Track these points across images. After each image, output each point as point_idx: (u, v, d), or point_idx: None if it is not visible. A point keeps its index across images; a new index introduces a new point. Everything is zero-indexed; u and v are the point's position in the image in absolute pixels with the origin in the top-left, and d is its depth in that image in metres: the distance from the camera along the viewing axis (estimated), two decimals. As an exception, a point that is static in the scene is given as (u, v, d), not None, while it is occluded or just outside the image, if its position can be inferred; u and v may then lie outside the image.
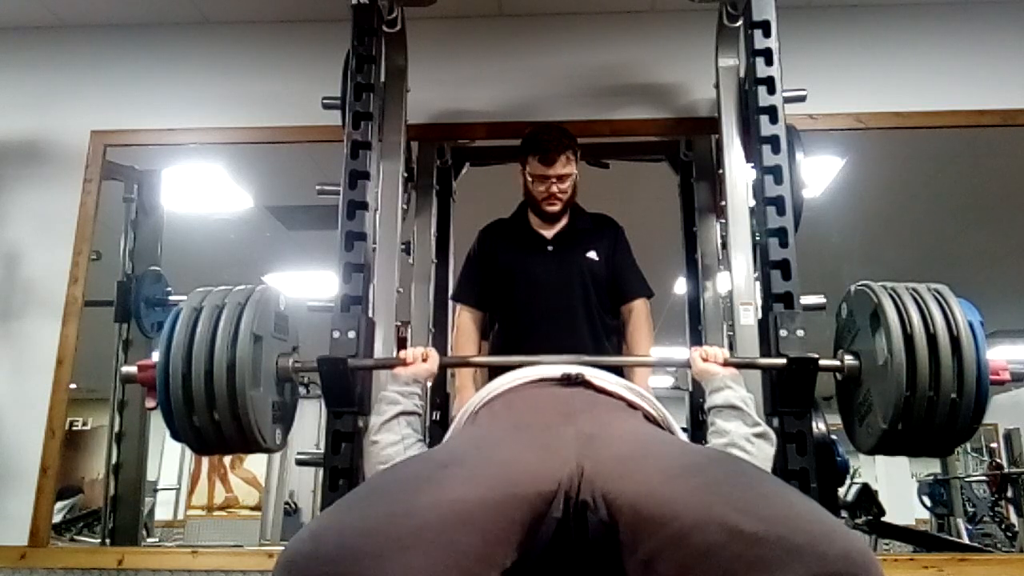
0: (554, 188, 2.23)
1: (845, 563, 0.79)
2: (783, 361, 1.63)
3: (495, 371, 2.12)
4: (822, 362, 1.58)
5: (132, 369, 1.48)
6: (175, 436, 1.43)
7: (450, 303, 2.55)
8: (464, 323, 2.35)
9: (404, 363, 1.63)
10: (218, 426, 1.39)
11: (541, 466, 1.05)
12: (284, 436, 1.57)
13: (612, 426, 1.25)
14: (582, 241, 2.30)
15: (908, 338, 1.36)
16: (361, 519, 0.90)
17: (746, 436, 1.43)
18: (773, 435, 1.47)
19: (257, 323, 1.43)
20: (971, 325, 1.38)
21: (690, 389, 2.52)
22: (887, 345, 1.38)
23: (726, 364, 1.58)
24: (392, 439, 1.49)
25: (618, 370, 2.22)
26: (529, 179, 2.26)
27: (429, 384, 1.73)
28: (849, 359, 1.54)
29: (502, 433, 1.26)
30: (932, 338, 1.36)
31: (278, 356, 1.54)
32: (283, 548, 0.89)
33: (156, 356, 1.43)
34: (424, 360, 1.63)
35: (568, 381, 1.46)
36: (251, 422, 1.39)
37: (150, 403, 1.43)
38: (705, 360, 1.59)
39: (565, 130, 2.27)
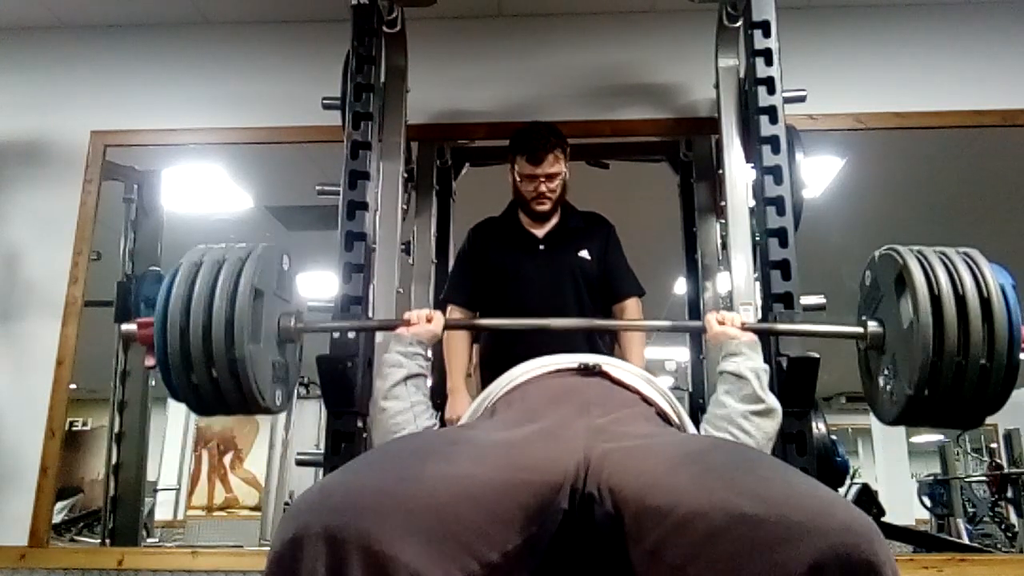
0: (543, 187, 2.22)
1: (847, 535, 0.79)
2: (804, 327, 1.62)
3: (490, 374, 2.11)
4: (843, 329, 1.51)
5: (132, 327, 1.45)
6: (174, 395, 1.39)
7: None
8: None
9: (408, 324, 1.59)
10: (216, 384, 1.34)
11: (549, 455, 1.06)
12: (285, 398, 1.51)
13: (623, 420, 1.25)
14: (574, 240, 2.29)
15: (935, 299, 1.29)
16: (369, 479, 0.91)
17: (743, 413, 1.40)
18: (778, 409, 1.43)
19: (258, 278, 1.38)
20: (1003, 288, 1.30)
21: (690, 389, 2.52)
22: (913, 307, 1.31)
23: (743, 328, 1.53)
24: (401, 406, 1.49)
25: (612, 334, 2.27)
26: (518, 178, 2.25)
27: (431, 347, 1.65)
28: (873, 325, 1.46)
29: (515, 421, 1.26)
30: (961, 300, 1.28)
31: (280, 315, 1.49)
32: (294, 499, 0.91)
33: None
34: (428, 321, 1.60)
35: (586, 371, 1.45)
36: (249, 379, 1.34)
37: (149, 361, 1.39)
38: (721, 324, 1.54)
39: (554, 128, 2.26)
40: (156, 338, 1.35)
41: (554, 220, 2.30)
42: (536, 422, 1.23)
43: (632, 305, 2.30)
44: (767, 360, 1.72)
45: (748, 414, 1.41)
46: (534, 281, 2.24)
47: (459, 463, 0.98)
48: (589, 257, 2.27)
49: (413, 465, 0.95)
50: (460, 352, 2.31)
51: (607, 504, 0.99)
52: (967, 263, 1.34)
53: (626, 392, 1.42)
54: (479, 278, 2.33)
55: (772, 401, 1.43)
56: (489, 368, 2.28)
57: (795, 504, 0.84)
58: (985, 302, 1.29)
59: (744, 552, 0.82)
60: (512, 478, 0.98)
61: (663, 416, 1.41)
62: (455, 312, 2.34)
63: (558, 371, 1.47)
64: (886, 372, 1.43)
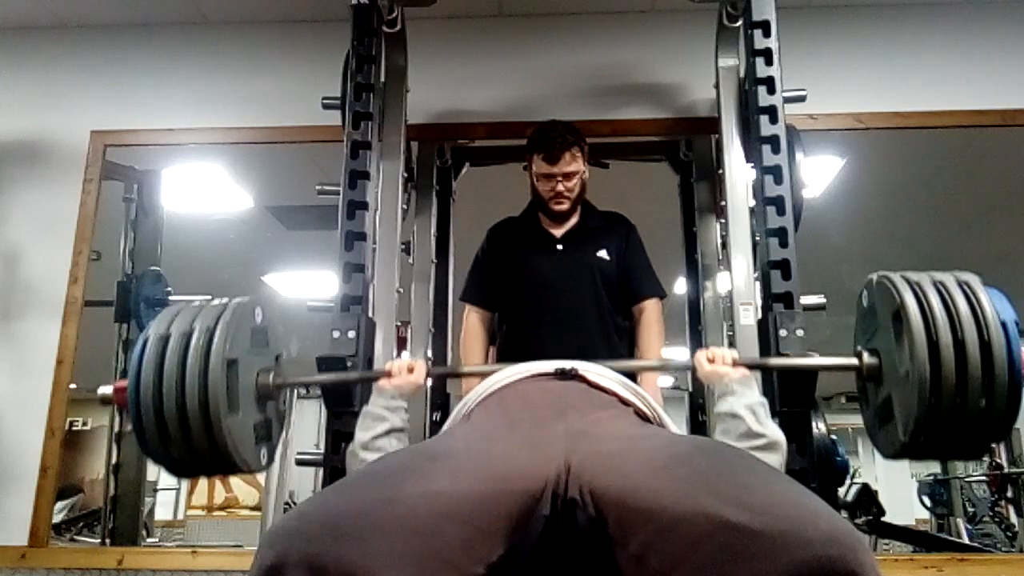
0: (560, 187, 2.20)
1: (830, 546, 0.79)
2: (798, 362, 1.60)
3: (504, 359, 2.11)
4: (839, 361, 1.48)
5: (107, 390, 1.43)
6: (153, 461, 1.35)
7: (451, 304, 2.55)
8: (472, 324, 2.32)
9: (389, 375, 1.55)
10: (197, 455, 1.30)
11: (529, 463, 1.05)
12: (270, 455, 1.47)
13: (602, 422, 1.25)
14: (593, 240, 2.27)
15: (933, 346, 1.23)
16: (347, 503, 0.91)
17: (745, 450, 1.35)
18: (780, 440, 1.39)
19: (230, 346, 1.31)
20: (1004, 326, 1.24)
21: (690, 389, 2.52)
22: (910, 355, 1.25)
23: (735, 365, 1.49)
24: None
25: (630, 374, 2.22)
26: (535, 178, 2.23)
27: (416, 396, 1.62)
28: (868, 358, 1.41)
29: (493, 429, 1.26)
30: (960, 346, 1.23)
31: (258, 372, 1.42)
32: (271, 525, 0.90)
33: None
34: (410, 372, 1.55)
35: (562, 375, 1.45)
36: (231, 451, 1.30)
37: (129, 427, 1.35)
38: (711, 362, 1.49)
39: (571, 126, 2.24)
40: (131, 416, 1.31)
41: (573, 220, 2.28)
42: (515, 429, 1.22)
43: (651, 306, 2.26)
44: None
45: (750, 450, 1.35)
46: (552, 281, 2.22)
47: (438, 479, 0.98)
48: (608, 257, 2.25)
49: (392, 485, 0.95)
50: (477, 353, 2.29)
51: (589, 508, 0.99)
52: (967, 297, 1.28)
53: (603, 395, 1.41)
54: (497, 278, 2.31)
55: (773, 433, 1.38)
56: (500, 358, 2.27)
57: (778, 513, 0.83)
58: (986, 346, 1.23)
59: (727, 560, 0.82)
60: (492, 490, 0.98)
61: (642, 416, 1.40)
62: (472, 313, 2.33)
63: (535, 376, 1.47)
64: (882, 407, 1.39)
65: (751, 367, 1.53)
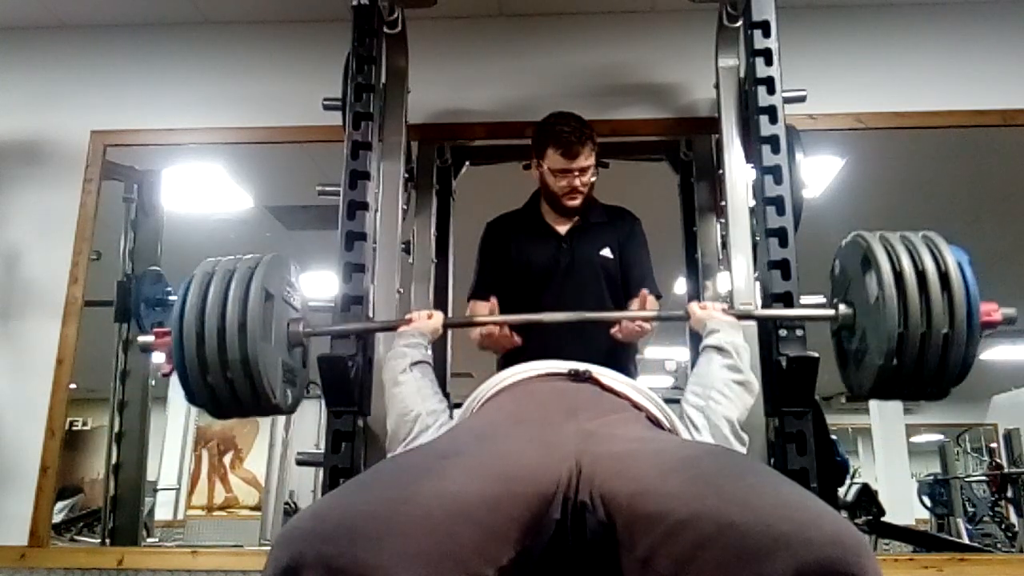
0: (576, 182, 2.14)
1: (833, 548, 0.78)
2: (780, 312, 1.70)
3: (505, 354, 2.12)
4: (816, 312, 1.64)
5: (149, 338, 1.55)
6: (191, 399, 1.47)
7: (451, 304, 2.54)
8: (479, 307, 2.25)
9: (409, 322, 1.74)
10: (231, 384, 1.43)
11: (540, 464, 1.05)
12: (295, 399, 1.62)
13: (613, 424, 1.24)
14: (597, 237, 2.24)
15: (898, 275, 1.41)
16: (363, 503, 0.90)
17: (725, 381, 1.48)
18: (755, 384, 1.52)
19: (268, 281, 1.48)
20: (960, 264, 1.42)
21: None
22: (878, 283, 1.42)
23: (724, 313, 1.66)
24: (408, 390, 1.57)
25: (619, 365, 2.19)
26: (550, 173, 2.17)
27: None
28: (843, 307, 1.57)
29: (504, 426, 1.26)
30: (921, 275, 1.40)
31: (289, 320, 1.60)
32: (285, 525, 0.90)
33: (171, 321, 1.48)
34: (429, 318, 1.75)
35: (575, 376, 1.46)
36: (262, 378, 1.44)
37: (166, 368, 1.49)
38: (703, 310, 1.69)
39: (582, 119, 2.19)
40: (174, 344, 1.44)
41: (577, 215, 2.25)
42: (525, 427, 1.22)
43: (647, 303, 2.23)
44: (767, 361, 1.73)
45: (730, 382, 1.48)
46: (555, 281, 2.19)
47: (452, 479, 0.97)
48: (611, 256, 2.22)
49: (406, 485, 0.95)
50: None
51: (600, 512, 0.98)
52: (927, 243, 1.45)
53: (615, 398, 1.42)
54: (501, 274, 2.27)
55: (751, 376, 1.51)
56: (506, 360, 2.26)
57: (783, 514, 0.83)
58: (944, 276, 1.40)
59: (731, 561, 0.81)
60: (505, 491, 0.97)
61: (654, 421, 1.41)
62: (482, 307, 2.30)
63: (547, 375, 1.48)
64: (858, 347, 1.52)
65: (739, 317, 1.69)
